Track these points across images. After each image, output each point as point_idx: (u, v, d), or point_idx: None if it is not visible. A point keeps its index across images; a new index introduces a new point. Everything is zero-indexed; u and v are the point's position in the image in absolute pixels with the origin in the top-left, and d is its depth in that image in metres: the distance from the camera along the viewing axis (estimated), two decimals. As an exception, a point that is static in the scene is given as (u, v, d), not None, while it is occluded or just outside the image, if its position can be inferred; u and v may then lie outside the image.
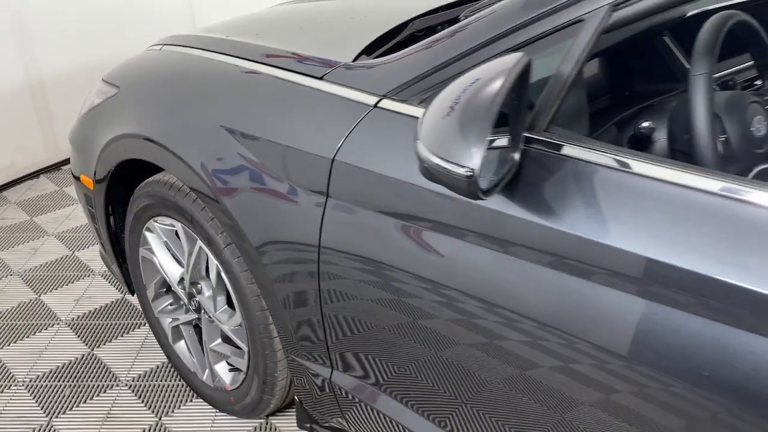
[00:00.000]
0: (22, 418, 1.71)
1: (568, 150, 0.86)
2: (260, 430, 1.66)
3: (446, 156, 0.76)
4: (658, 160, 0.80)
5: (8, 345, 1.99)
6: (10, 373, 1.87)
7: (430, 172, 0.80)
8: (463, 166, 0.75)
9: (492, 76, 0.77)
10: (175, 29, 2.00)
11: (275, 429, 1.67)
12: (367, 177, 1.05)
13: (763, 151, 1.12)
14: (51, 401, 1.76)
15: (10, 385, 1.83)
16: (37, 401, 1.77)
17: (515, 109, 0.83)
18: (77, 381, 1.84)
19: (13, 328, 2.08)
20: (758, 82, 1.37)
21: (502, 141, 0.84)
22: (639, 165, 0.80)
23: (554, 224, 0.83)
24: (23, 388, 1.81)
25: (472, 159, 0.74)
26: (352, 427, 1.35)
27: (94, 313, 2.14)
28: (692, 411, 0.76)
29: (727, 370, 0.70)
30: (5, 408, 1.75)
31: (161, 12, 3.44)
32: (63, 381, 1.83)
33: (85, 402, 1.77)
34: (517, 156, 0.85)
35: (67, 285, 2.30)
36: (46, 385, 1.82)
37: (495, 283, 0.92)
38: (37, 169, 3.23)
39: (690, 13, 1.36)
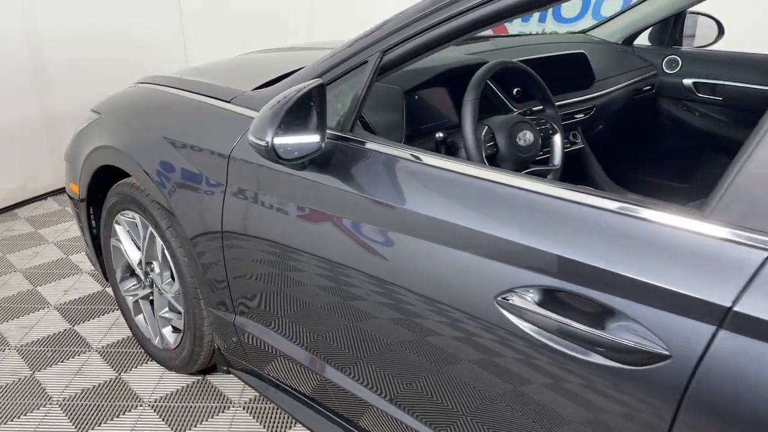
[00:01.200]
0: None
1: (368, 144, 1.32)
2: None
3: (256, 136, 1.24)
4: (424, 153, 1.24)
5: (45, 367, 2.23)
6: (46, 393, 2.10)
7: (257, 150, 1.27)
8: (263, 140, 1.22)
9: (292, 94, 1.25)
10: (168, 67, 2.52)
11: (226, 398, 2.09)
12: (248, 166, 1.51)
13: (529, 156, 1.57)
14: (82, 418, 1.97)
15: (45, 404, 2.04)
16: (69, 418, 1.97)
17: (319, 116, 1.29)
18: (105, 401, 2.04)
19: (13, 310, 2.53)
20: (548, 110, 1.82)
21: (315, 137, 1.31)
22: (406, 153, 1.25)
23: (352, 189, 1.28)
24: (57, 406, 2.03)
25: (267, 136, 1.21)
26: (254, 365, 1.77)
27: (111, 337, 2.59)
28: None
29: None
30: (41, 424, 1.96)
31: (160, 59, 4.01)
32: (92, 400, 2.03)
33: (111, 419, 1.96)
34: (323, 145, 1.31)
35: (57, 280, 2.77)
36: (79, 404, 2.03)
37: (315, 233, 1.36)
38: (45, 192, 3.75)
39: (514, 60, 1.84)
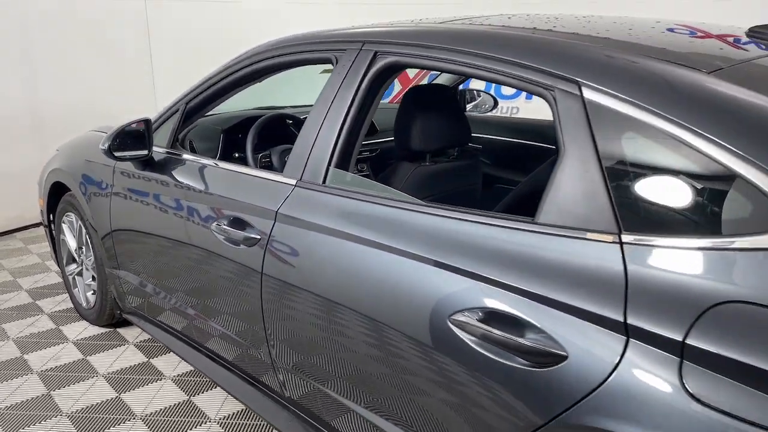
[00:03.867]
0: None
1: (184, 156, 2.30)
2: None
3: (102, 145, 2.25)
4: (218, 162, 2.20)
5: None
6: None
7: (102, 152, 2.27)
8: (103, 147, 2.23)
9: (125, 123, 2.26)
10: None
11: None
12: (123, 173, 2.51)
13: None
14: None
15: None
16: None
17: (148, 137, 2.29)
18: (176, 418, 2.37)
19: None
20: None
21: (144, 150, 2.30)
22: (209, 161, 2.22)
23: (172, 182, 2.26)
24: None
25: (103, 144, 2.23)
26: (133, 305, 2.71)
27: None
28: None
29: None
30: None
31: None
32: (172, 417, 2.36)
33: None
34: (150, 153, 2.30)
35: (38, 280, 3.77)
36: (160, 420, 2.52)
37: (153, 211, 2.33)
38: (38, 221, 4.81)
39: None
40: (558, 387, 1.14)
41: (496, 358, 1.23)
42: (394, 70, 1.71)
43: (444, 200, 1.57)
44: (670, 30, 1.60)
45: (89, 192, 2.75)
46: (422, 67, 1.68)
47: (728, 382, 0.96)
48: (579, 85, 1.27)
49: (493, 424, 1.27)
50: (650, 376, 1.04)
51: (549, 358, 1.15)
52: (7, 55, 4.43)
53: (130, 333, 3.04)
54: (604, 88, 1.24)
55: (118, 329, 3.08)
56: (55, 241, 3.30)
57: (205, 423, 2.34)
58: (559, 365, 1.14)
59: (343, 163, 1.72)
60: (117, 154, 2.27)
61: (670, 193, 1.16)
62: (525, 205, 1.42)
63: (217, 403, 2.45)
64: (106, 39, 4.91)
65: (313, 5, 5.68)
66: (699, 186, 1.13)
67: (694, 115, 1.13)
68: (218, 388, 2.49)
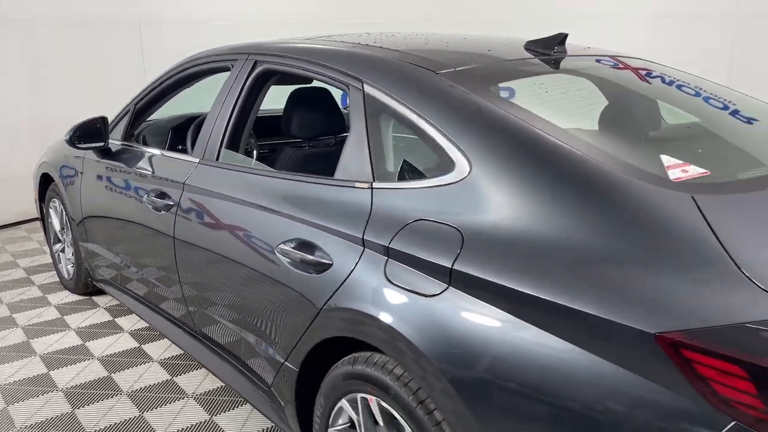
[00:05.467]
0: None
1: (134, 146, 2.88)
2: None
3: (65, 136, 2.84)
4: (162, 151, 2.78)
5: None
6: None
7: (67, 142, 2.87)
8: (66, 138, 2.82)
9: (84, 119, 2.85)
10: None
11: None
12: (90, 160, 3.09)
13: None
14: None
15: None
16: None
17: (104, 131, 2.88)
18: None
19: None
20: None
21: (101, 142, 2.89)
22: (155, 151, 2.80)
23: (124, 167, 2.84)
24: None
25: (67, 136, 2.82)
26: (100, 273, 3.29)
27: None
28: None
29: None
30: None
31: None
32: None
33: None
34: (106, 144, 2.89)
35: (35, 260, 4.38)
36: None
37: (113, 192, 2.91)
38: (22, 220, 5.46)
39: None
40: (328, 284, 1.67)
41: (299, 271, 1.77)
42: (269, 75, 2.27)
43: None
44: (448, 42, 2.15)
45: (66, 179, 3.35)
46: (283, 73, 2.23)
47: (407, 269, 1.48)
48: (362, 82, 1.81)
49: (299, 311, 1.79)
50: (371, 269, 1.57)
51: (324, 266, 1.69)
52: (18, 70, 5.11)
53: (101, 300, 3.62)
54: (375, 84, 1.78)
55: (93, 297, 3.66)
56: (45, 226, 3.90)
57: (182, 399, 2.89)
58: (328, 270, 1.68)
59: (232, 145, 2.27)
60: (77, 144, 2.87)
61: (400, 154, 1.70)
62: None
63: (196, 381, 2.97)
64: (105, 58, 5.56)
65: (311, 24, 6.29)
66: (416, 149, 1.66)
67: (418, 101, 1.66)
68: (201, 369, 2.84)
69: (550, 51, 2.03)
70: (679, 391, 1.07)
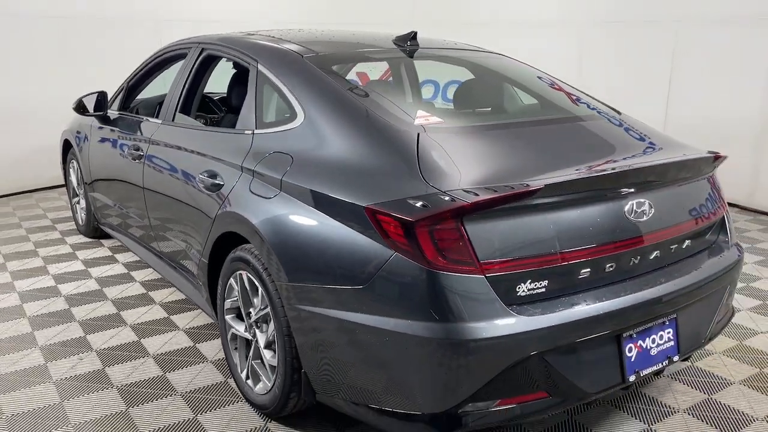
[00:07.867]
0: None
1: (128, 115, 3.73)
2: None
3: (72, 106, 3.72)
4: (149, 119, 3.62)
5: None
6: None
7: (74, 109, 3.74)
8: (73, 107, 3.70)
9: (86, 94, 3.71)
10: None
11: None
12: (96, 126, 3.96)
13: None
14: (30, 232, 4.64)
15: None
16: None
17: (103, 103, 3.74)
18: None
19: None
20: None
21: (101, 111, 3.75)
22: (143, 118, 3.65)
23: (120, 131, 3.69)
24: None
25: (74, 105, 3.69)
26: (102, 218, 4.16)
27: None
28: None
29: None
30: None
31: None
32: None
33: None
34: (106, 113, 3.75)
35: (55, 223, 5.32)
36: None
37: (112, 152, 3.77)
38: (53, 184, 6.41)
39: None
40: (216, 201, 2.47)
41: (207, 192, 2.56)
42: (211, 59, 3.08)
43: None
44: (333, 36, 2.94)
45: (79, 143, 4.24)
46: (218, 57, 3.03)
47: (260, 183, 2.26)
48: (257, 62, 2.60)
49: (207, 218, 2.56)
50: (243, 186, 2.35)
51: (219, 186, 2.48)
52: (56, 61, 6.10)
53: (106, 243, 4.51)
54: (264, 64, 2.56)
55: (101, 240, 4.55)
56: (66, 183, 4.82)
57: (172, 394, 3.75)
58: (221, 189, 2.47)
59: (184, 110, 3.09)
60: (83, 113, 3.74)
61: (272, 111, 2.51)
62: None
63: (187, 377, 3.83)
64: (124, 51, 6.49)
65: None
66: (281, 107, 2.44)
67: (286, 75, 2.44)
68: (193, 366, 3.78)
69: (404, 44, 2.78)
70: (375, 238, 1.82)
